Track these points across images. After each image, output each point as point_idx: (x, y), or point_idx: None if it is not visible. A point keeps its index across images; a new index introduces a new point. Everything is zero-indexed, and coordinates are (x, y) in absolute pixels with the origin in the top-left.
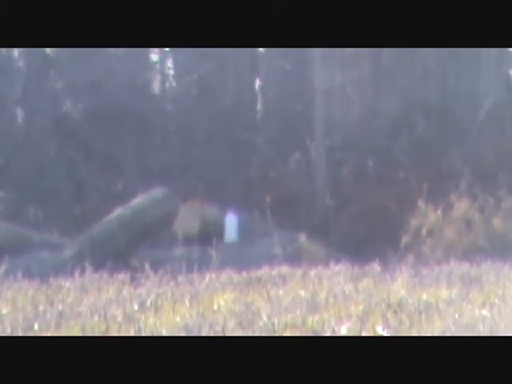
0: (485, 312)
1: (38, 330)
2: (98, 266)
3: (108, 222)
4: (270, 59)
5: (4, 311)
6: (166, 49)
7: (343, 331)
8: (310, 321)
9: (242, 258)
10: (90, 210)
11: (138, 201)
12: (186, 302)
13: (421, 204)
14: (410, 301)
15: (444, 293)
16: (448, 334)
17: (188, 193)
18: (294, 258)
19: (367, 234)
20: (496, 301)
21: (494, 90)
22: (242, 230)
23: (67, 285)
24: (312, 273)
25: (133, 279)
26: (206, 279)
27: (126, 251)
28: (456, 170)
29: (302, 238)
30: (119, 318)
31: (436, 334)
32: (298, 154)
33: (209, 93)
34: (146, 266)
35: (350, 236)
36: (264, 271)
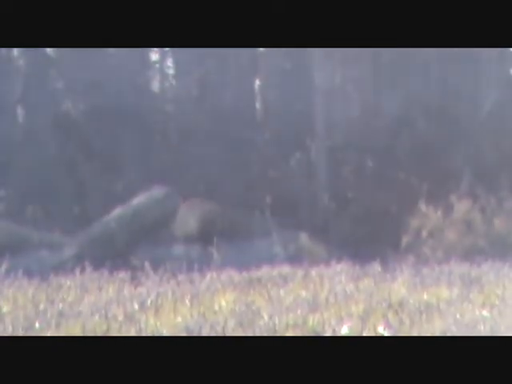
0: (485, 312)
1: (38, 328)
2: (98, 265)
3: (108, 221)
4: (270, 59)
5: (5, 309)
6: (166, 49)
7: (344, 331)
8: (310, 321)
9: (243, 257)
10: (90, 209)
11: (138, 200)
12: (187, 301)
13: (421, 204)
14: (410, 301)
15: (444, 293)
16: (449, 334)
17: (188, 192)
18: (295, 258)
19: (368, 234)
20: (496, 301)
21: (495, 90)
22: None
23: (68, 283)
24: (313, 272)
25: (133, 278)
26: (207, 278)
27: (126, 250)
28: (457, 170)
29: (303, 237)
30: (120, 318)
31: (437, 333)
32: (298, 154)
33: (209, 92)
34: (146, 264)
35: (350, 236)
36: (265, 271)
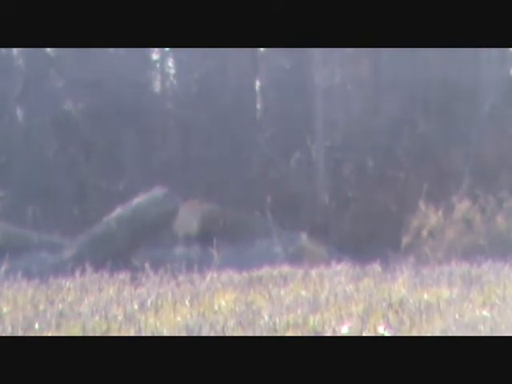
0: (485, 312)
1: (38, 329)
2: (98, 266)
3: (108, 222)
4: (270, 59)
5: (4, 310)
6: (167, 48)
7: (344, 331)
8: (311, 320)
9: (243, 257)
10: (90, 209)
11: (138, 200)
12: (187, 302)
13: (422, 204)
14: (410, 300)
15: (445, 293)
16: (449, 334)
17: (188, 192)
18: (295, 258)
19: (368, 234)
20: (496, 301)
21: (495, 90)
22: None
23: (67, 284)
24: (313, 272)
25: (133, 279)
26: (207, 279)
27: (127, 251)
28: (457, 170)
29: (303, 237)
30: (120, 318)
31: (437, 333)
32: (298, 154)
33: (209, 92)
34: (147, 265)
35: (351, 236)
36: (265, 271)
